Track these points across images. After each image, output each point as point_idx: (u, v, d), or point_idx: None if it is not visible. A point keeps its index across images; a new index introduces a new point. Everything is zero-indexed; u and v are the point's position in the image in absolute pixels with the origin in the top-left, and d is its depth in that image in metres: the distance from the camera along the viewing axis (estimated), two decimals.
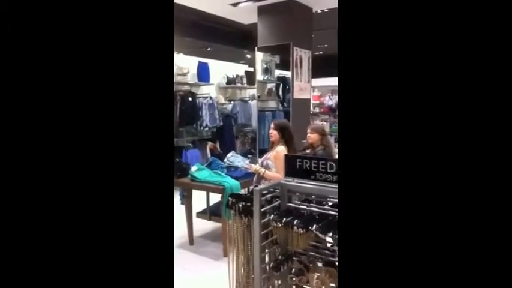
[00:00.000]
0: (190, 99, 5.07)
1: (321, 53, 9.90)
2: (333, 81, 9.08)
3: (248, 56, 8.18)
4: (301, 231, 1.41)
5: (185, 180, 3.12)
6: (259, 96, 5.27)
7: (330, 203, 1.54)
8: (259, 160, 2.94)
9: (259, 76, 5.15)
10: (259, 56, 5.07)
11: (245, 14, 5.29)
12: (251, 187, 2.79)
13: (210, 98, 5.36)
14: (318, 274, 1.48)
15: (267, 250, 1.63)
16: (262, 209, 1.54)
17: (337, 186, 1.48)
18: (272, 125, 2.73)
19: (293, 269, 1.55)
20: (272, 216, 1.52)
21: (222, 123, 5.50)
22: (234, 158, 3.22)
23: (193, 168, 3.14)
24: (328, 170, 1.51)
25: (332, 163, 1.51)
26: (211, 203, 3.55)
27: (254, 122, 5.55)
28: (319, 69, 6.37)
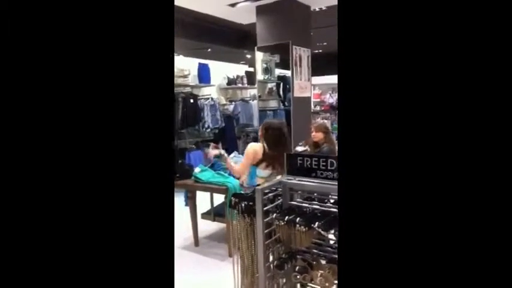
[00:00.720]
0: (191, 100, 5.10)
1: (320, 51, 9.89)
2: (333, 79, 9.06)
3: (248, 56, 8.18)
4: (304, 229, 1.42)
5: (189, 181, 3.13)
6: (260, 96, 5.28)
7: (332, 201, 1.54)
8: None
9: (260, 76, 5.16)
10: (259, 55, 5.08)
11: (243, 14, 5.30)
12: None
13: (212, 99, 5.39)
14: (322, 271, 1.49)
15: (270, 249, 1.64)
16: (265, 208, 1.55)
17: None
18: None
19: (297, 267, 1.56)
20: (275, 214, 1.53)
21: (223, 124, 5.53)
22: (237, 159, 3.23)
23: (197, 170, 3.15)
24: (329, 168, 1.52)
25: (333, 160, 1.52)
26: (215, 204, 3.57)
27: (256, 122, 5.57)
28: (319, 67, 6.37)
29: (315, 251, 1.58)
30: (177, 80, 5.09)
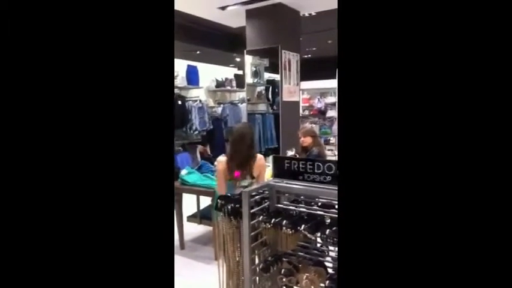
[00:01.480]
0: (179, 102, 5.06)
1: (309, 56, 9.98)
2: (321, 84, 9.15)
3: (237, 59, 8.20)
4: (290, 232, 1.42)
5: (175, 184, 3.10)
6: (248, 99, 5.28)
7: (319, 203, 1.55)
8: None
9: (249, 79, 5.17)
10: (248, 59, 5.09)
11: (233, 18, 5.30)
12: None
13: (200, 101, 5.36)
14: (308, 274, 1.49)
15: (256, 251, 1.63)
16: (252, 211, 1.55)
17: (324, 187, 1.50)
18: None
19: (283, 270, 1.55)
20: (261, 217, 1.53)
21: (212, 127, 5.50)
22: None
23: (183, 172, 3.13)
24: (316, 171, 1.53)
25: (319, 164, 1.52)
26: (201, 207, 3.54)
27: None
28: (308, 72, 6.42)
29: (301, 253, 1.58)
30: None
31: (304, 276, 1.49)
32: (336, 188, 1.45)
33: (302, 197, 1.62)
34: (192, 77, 5.43)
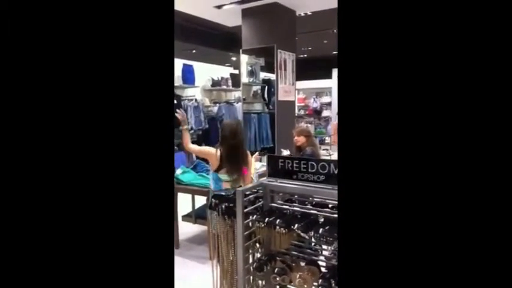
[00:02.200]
0: (175, 101, 5.04)
1: (305, 55, 9.99)
2: (317, 83, 9.18)
3: (233, 58, 8.19)
4: (284, 231, 1.42)
5: None
6: (244, 99, 5.28)
7: (313, 203, 1.55)
8: None
9: (244, 78, 5.16)
10: (244, 58, 5.08)
11: (229, 17, 5.30)
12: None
13: (195, 100, 5.35)
14: (301, 273, 1.49)
15: (250, 251, 1.63)
16: (245, 210, 1.55)
17: (318, 186, 1.50)
18: None
19: (276, 269, 1.56)
20: (255, 216, 1.53)
21: (207, 126, 5.49)
22: None
23: (178, 171, 3.12)
24: (310, 170, 1.53)
25: (313, 163, 1.53)
26: (196, 206, 3.53)
27: None
28: (303, 71, 6.44)
29: (294, 252, 1.59)
30: None
31: (298, 275, 1.49)
32: (330, 187, 1.46)
33: (296, 196, 1.62)
34: (188, 76, 5.41)
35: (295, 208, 1.55)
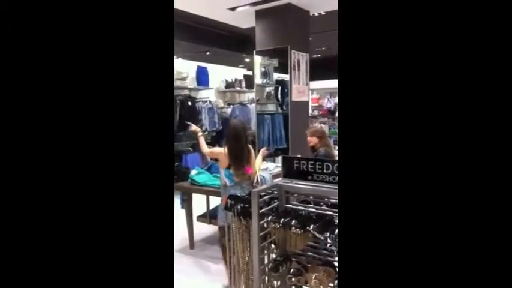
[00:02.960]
0: (189, 103, 5.10)
1: (318, 56, 9.94)
2: (331, 83, 9.11)
3: (247, 59, 8.21)
4: (299, 232, 1.43)
5: (185, 184, 3.13)
6: (258, 100, 5.29)
7: (328, 203, 1.55)
8: None
9: (258, 80, 5.17)
10: (257, 59, 5.09)
11: (243, 18, 5.32)
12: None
13: (210, 102, 5.40)
14: (316, 274, 1.49)
15: (265, 251, 1.64)
16: (261, 211, 1.56)
17: (333, 187, 1.50)
18: None
19: (291, 270, 1.56)
20: (270, 217, 1.54)
21: (221, 127, 5.53)
22: None
23: (193, 172, 3.16)
24: (325, 171, 1.53)
25: (328, 164, 1.53)
26: (211, 207, 3.56)
27: (253, 126, 5.57)
28: (317, 72, 6.40)
29: (309, 253, 1.59)
30: (176, 83, 5.10)
31: (313, 276, 1.49)
32: None
33: (311, 197, 1.62)
34: (202, 78, 5.47)
35: (310, 209, 1.55)
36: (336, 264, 1.54)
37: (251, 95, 6.05)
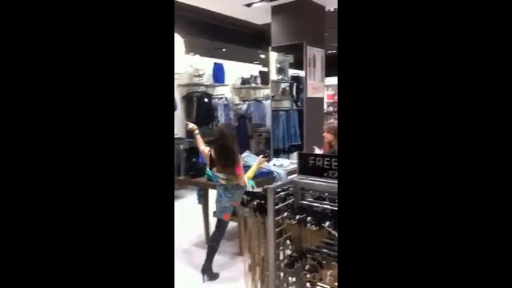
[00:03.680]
0: (206, 100, 5.15)
1: (334, 51, 9.81)
2: None
3: (262, 56, 8.19)
4: (314, 228, 1.43)
5: (201, 180, 3.18)
6: (273, 96, 5.29)
7: None
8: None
9: (273, 76, 5.17)
10: (273, 55, 5.09)
11: (259, 14, 5.32)
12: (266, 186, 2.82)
13: (225, 98, 5.43)
14: (332, 271, 1.50)
15: (281, 247, 1.66)
16: (276, 207, 1.57)
17: None
18: None
19: (307, 266, 1.57)
20: (286, 213, 1.55)
21: (237, 124, 5.56)
22: (249, 158, 3.25)
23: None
24: None
25: None
26: None
27: (268, 122, 5.58)
28: (333, 67, 6.33)
29: (325, 250, 1.59)
30: (193, 80, 5.16)
31: (328, 273, 1.50)
32: None
33: (326, 194, 1.62)
34: (218, 74, 5.51)
35: (325, 206, 1.56)
36: None
37: (266, 91, 6.05)
